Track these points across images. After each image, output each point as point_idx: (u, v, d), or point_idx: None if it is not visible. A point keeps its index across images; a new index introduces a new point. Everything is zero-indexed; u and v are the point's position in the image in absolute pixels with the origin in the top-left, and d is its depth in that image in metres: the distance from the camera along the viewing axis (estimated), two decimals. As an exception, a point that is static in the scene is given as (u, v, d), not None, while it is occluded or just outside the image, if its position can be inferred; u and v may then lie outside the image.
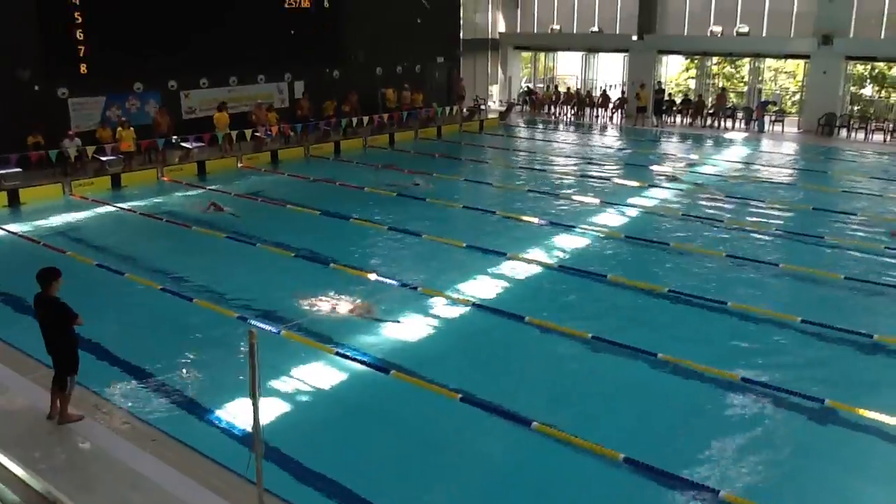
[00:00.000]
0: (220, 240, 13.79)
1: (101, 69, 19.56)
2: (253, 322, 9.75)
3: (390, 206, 16.42)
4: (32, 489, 4.19)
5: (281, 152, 21.95)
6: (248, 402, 5.80)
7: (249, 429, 5.98)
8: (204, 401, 8.11)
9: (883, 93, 32.55)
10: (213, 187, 18.19)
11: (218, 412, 7.87)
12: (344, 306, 10.58)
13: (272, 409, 7.82)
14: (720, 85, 33.70)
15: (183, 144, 20.52)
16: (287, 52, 23.85)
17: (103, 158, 18.89)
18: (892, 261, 12.89)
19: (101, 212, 16.30)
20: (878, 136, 26.91)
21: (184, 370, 8.81)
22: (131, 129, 19.38)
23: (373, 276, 11.79)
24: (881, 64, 29.48)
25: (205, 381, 8.61)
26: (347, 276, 11.90)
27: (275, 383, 8.39)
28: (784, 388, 8.33)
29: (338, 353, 9.09)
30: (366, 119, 24.53)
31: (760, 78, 31.81)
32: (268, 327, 9.71)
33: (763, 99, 30.01)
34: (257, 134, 21.88)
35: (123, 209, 16.32)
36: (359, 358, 9.01)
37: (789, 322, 10.19)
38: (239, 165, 20.69)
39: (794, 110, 31.59)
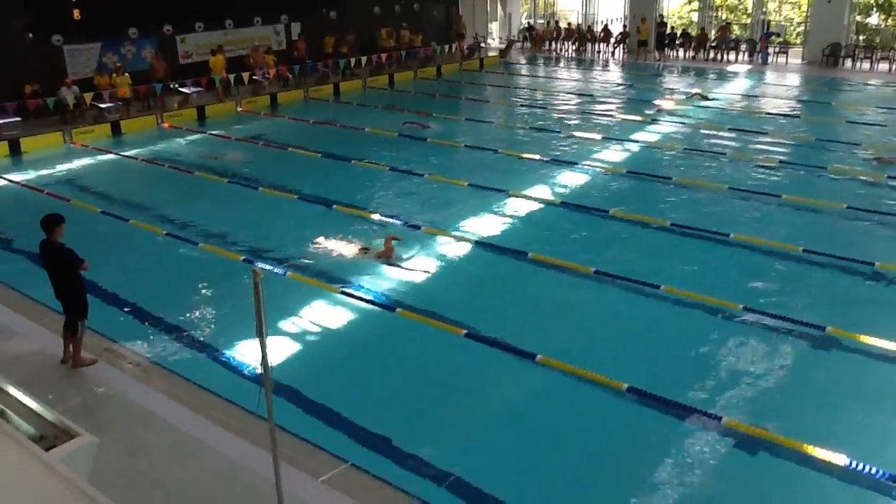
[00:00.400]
0: (223, 185, 13.80)
1: (94, 15, 19.29)
2: (258, 264, 9.82)
3: (392, 146, 16.36)
4: (46, 420, 4.31)
5: (280, 95, 21.79)
6: (256, 341, 5.88)
7: (259, 367, 6.09)
8: (213, 341, 8.24)
9: (889, 21, 32.00)
10: (213, 132, 18.12)
11: (227, 352, 7.99)
12: (348, 247, 10.64)
13: (280, 349, 7.94)
14: (723, 17, 33.17)
15: (181, 90, 20.35)
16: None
17: (102, 105, 18.78)
18: (894, 191, 12.88)
19: (102, 159, 16.27)
20: (884, 66, 26.55)
21: (192, 312, 8.92)
22: (126, 74, 19.25)
23: (376, 217, 11.84)
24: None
25: (213, 323, 8.73)
26: (350, 217, 11.94)
27: (282, 323, 8.50)
28: (786, 316, 8.41)
29: (343, 293, 9.19)
30: (364, 60, 24.25)
31: (764, 9, 31.24)
32: (273, 269, 9.79)
33: (766, 30, 29.52)
34: (255, 77, 21.67)
35: (125, 156, 16.30)
36: (364, 297, 9.11)
37: (791, 252, 10.24)
38: (238, 109, 20.56)
39: (798, 41, 31.13)
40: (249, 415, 6.61)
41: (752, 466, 6.21)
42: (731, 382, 7.34)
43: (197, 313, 8.95)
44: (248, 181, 13.84)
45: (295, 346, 8.17)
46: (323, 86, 23.05)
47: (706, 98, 20.90)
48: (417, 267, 10.07)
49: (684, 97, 21.57)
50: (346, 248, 10.60)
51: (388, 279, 9.70)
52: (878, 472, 5.87)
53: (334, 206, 12.35)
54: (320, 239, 10.93)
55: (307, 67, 23.04)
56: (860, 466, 5.92)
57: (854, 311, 8.77)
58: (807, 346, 8.00)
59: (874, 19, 32.73)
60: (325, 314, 8.84)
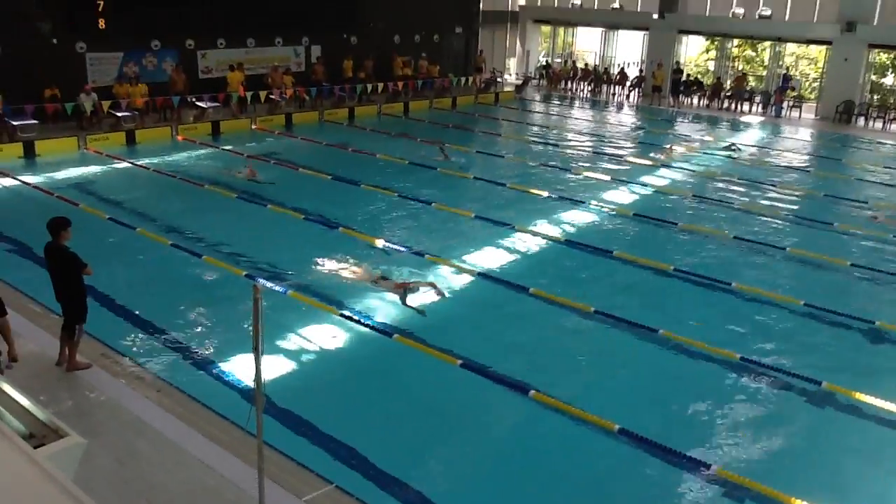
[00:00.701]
0: (232, 200, 13.90)
1: (119, 25, 19.58)
2: (261, 281, 9.88)
3: (402, 173, 16.48)
4: (37, 419, 4.35)
5: (295, 116, 21.99)
6: (251, 357, 5.92)
7: (252, 383, 6.11)
8: (209, 355, 8.27)
9: (904, 82, 32.22)
10: (226, 147, 18.29)
11: (222, 366, 8.02)
12: (350, 270, 10.68)
13: (276, 367, 7.96)
14: (740, 68, 33.44)
15: (198, 104, 20.57)
16: (305, 15, 23.77)
17: (119, 114, 18.99)
18: (900, 250, 12.94)
19: (115, 167, 16.42)
20: (896, 126, 26.68)
21: (190, 324, 8.97)
22: (141, 85, 19.51)
23: (381, 242, 11.90)
24: (904, 53, 29.16)
25: (210, 336, 8.76)
26: (355, 241, 12.00)
27: (280, 342, 8.53)
28: (783, 369, 8.41)
29: (342, 315, 9.22)
30: (381, 86, 24.49)
31: (781, 63, 31.50)
32: (275, 287, 9.84)
33: (783, 83, 29.74)
34: (272, 96, 21.90)
35: (137, 165, 16.45)
36: (363, 321, 9.14)
37: (792, 305, 10.25)
38: (253, 127, 20.75)
39: (812, 97, 31.34)
40: (239, 430, 6.62)
41: (738, 516, 6.19)
42: (722, 431, 7.33)
43: (195, 325, 9.00)
44: (256, 198, 13.94)
45: (290, 365, 8.20)
46: (338, 109, 23.26)
47: (737, 149, 20.94)
48: (418, 294, 10.09)
49: (718, 146, 21.70)
50: (353, 272, 10.62)
51: (387, 305, 9.73)
52: (864, 530, 5.84)
53: (340, 229, 12.43)
54: (323, 260, 10.99)
55: (324, 90, 23.28)
56: (847, 524, 5.90)
57: (851, 368, 8.77)
58: (801, 401, 8.00)
59: (889, 79, 32.97)
60: (322, 335, 8.87)
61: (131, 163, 16.61)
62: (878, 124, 26.97)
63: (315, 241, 11.99)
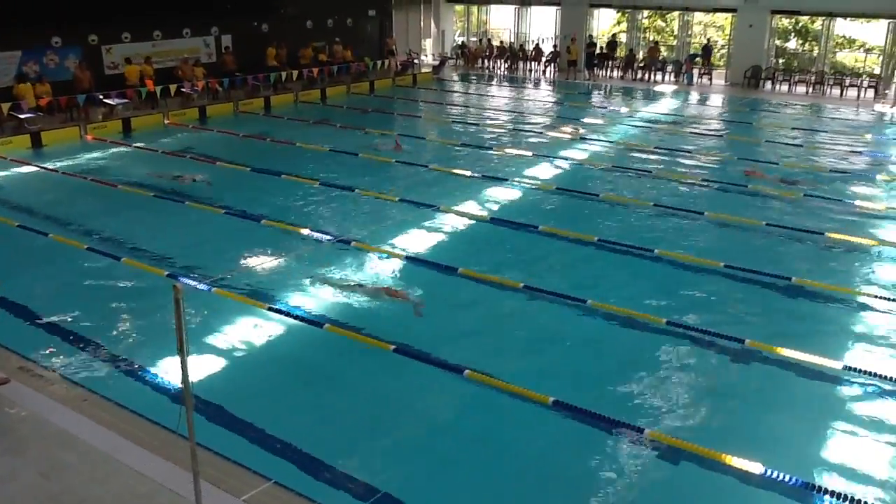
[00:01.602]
0: (148, 198, 13.49)
1: (15, 22, 18.70)
2: (183, 280, 9.64)
3: (322, 161, 16.28)
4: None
5: (209, 108, 21.46)
6: (177, 358, 5.76)
7: (180, 384, 5.95)
8: (134, 359, 8.02)
9: (806, 46, 33.38)
10: (138, 145, 17.74)
11: (149, 370, 7.80)
12: (275, 261, 10.52)
13: (205, 366, 7.79)
14: (650, 38, 34.07)
15: (106, 101, 19.86)
16: (213, 4, 23.16)
17: (21, 116, 18.18)
18: (810, 207, 13.42)
19: (21, 171, 15.73)
20: (801, 88, 27.67)
21: (112, 329, 8.68)
22: (43, 84, 18.74)
23: (305, 231, 11.74)
24: (805, 17, 30.17)
25: (135, 340, 8.50)
26: (279, 232, 11.81)
27: (208, 340, 8.34)
28: (707, 329, 8.65)
29: (271, 309, 9.07)
30: (295, 74, 24.10)
31: (689, 31, 32.22)
32: (199, 285, 9.61)
33: (691, 52, 30.47)
34: (183, 90, 21.31)
35: (45, 168, 15.80)
36: (292, 313, 9.01)
37: (713, 267, 10.54)
38: (166, 122, 20.17)
39: (721, 64, 32.18)
40: (171, 433, 6.44)
41: (673, 477, 6.34)
42: (654, 395, 7.49)
43: (117, 330, 8.72)
44: (174, 195, 13.56)
45: (219, 363, 8.02)
46: (254, 99, 22.80)
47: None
48: (347, 282, 10.01)
49: (613, 116, 22.05)
50: (274, 264, 10.45)
51: (316, 295, 9.62)
52: (791, 479, 6.07)
53: (263, 221, 12.20)
54: (248, 254, 10.79)
55: (237, 80, 22.75)
56: (775, 474, 6.11)
57: (772, 324, 9.07)
58: (726, 359, 8.23)
59: (792, 44, 34.10)
60: (251, 330, 8.71)
61: (39, 166, 15.94)
62: (785, 87, 27.92)
63: (238, 236, 11.75)
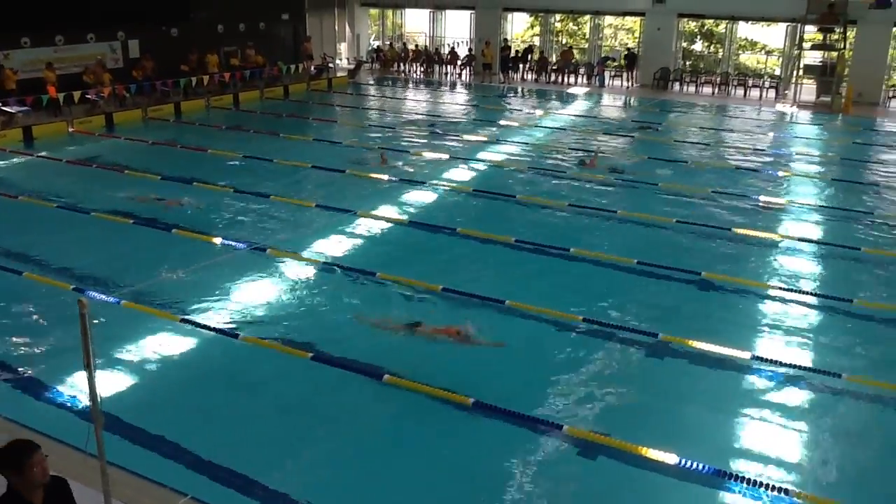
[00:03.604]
0: (52, 210, 12.94)
1: None
2: (91, 293, 9.28)
3: (236, 168, 15.98)
4: None
5: (116, 115, 20.73)
6: (84, 374, 5.54)
7: (88, 402, 5.73)
8: (38, 376, 7.69)
9: (712, 48, 34.57)
10: (42, 154, 17.03)
11: (56, 388, 7.48)
12: (187, 272, 10.24)
13: (116, 381, 7.52)
14: (563, 42, 34.71)
15: (5, 109, 19.00)
16: (120, 8, 22.40)
17: None
18: (717, 203, 13.88)
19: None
20: (708, 89, 28.64)
21: (14, 347, 8.30)
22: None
23: (218, 241, 11.47)
24: (709, 21, 31.22)
25: (40, 357, 8.13)
26: (192, 241, 11.50)
27: (118, 355, 8.05)
28: (622, 325, 8.84)
29: (183, 320, 8.81)
30: (206, 78, 23.57)
31: (601, 35, 32.94)
32: (108, 298, 9.27)
33: (603, 55, 31.16)
34: (89, 96, 20.57)
35: (-61, 181, 15.02)
36: (206, 324, 8.78)
37: (627, 264, 10.78)
38: (70, 130, 19.40)
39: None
40: (80, 453, 6.18)
41: (592, 471, 6.45)
42: (571, 391, 7.60)
43: (21, 348, 8.33)
44: (79, 206, 13.05)
45: (130, 379, 7.75)
46: (163, 105, 22.18)
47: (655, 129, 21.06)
48: (262, 290, 9.83)
49: (528, 119, 22.34)
50: (186, 274, 10.18)
51: (230, 305, 9.40)
52: (704, 467, 6.24)
53: (174, 230, 11.86)
54: (159, 264, 10.47)
55: (145, 86, 22.07)
56: (689, 464, 6.28)
57: (684, 317, 9.34)
58: (642, 353, 8.42)
59: (698, 46, 35.26)
60: (164, 344, 8.44)
61: (-68, 178, 15.14)
62: (692, 88, 28.84)
63: (148, 246, 11.40)
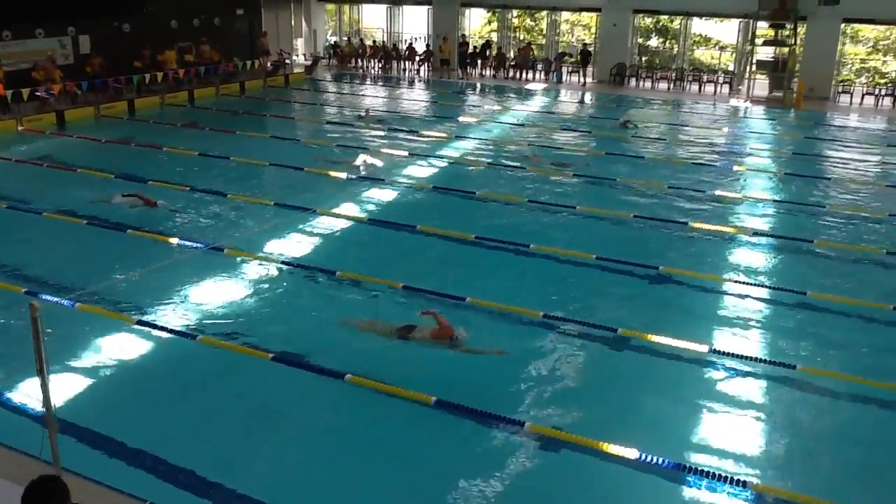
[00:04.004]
0: (1, 210, 12.62)
1: None
2: (43, 296, 9.07)
3: (192, 166, 15.76)
4: None
5: (68, 113, 20.29)
6: (37, 379, 5.43)
7: (42, 407, 5.62)
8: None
9: (667, 44, 34.98)
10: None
11: (7, 394, 7.29)
12: (143, 273, 10.08)
13: (71, 386, 7.37)
14: (521, 38, 34.84)
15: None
16: (69, 2, 21.86)
17: None
18: (673, 198, 14.07)
19: None
20: (663, 85, 29.00)
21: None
22: None
23: (175, 241, 11.29)
24: (665, 17, 31.58)
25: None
26: (147, 242, 11.31)
27: (73, 359, 7.88)
28: (582, 321, 8.90)
29: (140, 323, 8.67)
30: (160, 75, 23.19)
31: (558, 31, 33.15)
32: (61, 301, 9.08)
33: (560, 51, 31.36)
34: (38, 93, 20.09)
35: None
36: (163, 325, 8.64)
37: (586, 260, 10.86)
38: (19, 129, 18.94)
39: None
40: (35, 460, 6.06)
41: (554, 467, 6.48)
42: (533, 388, 7.64)
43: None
44: (29, 206, 12.75)
45: (86, 382, 7.59)
46: (116, 103, 21.75)
47: (634, 126, 20.79)
48: (220, 291, 9.71)
49: (486, 115, 22.40)
50: (142, 275, 10.01)
51: (187, 306, 9.27)
52: (663, 461, 6.32)
53: (129, 231, 11.65)
54: (114, 266, 10.28)
55: (97, 83, 21.60)
56: (649, 458, 6.35)
57: (642, 311, 9.44)
58: (601, 348, 8.50)
59: (654, 42, 35.66)
60: (120, 346, 8.28)
61: None
62: (648, 83, 29.17)
63: (103, 247, 11.18)
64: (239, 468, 6.31)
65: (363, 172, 15.49)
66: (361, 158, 16.38)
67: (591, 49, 30.30)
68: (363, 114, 21.60)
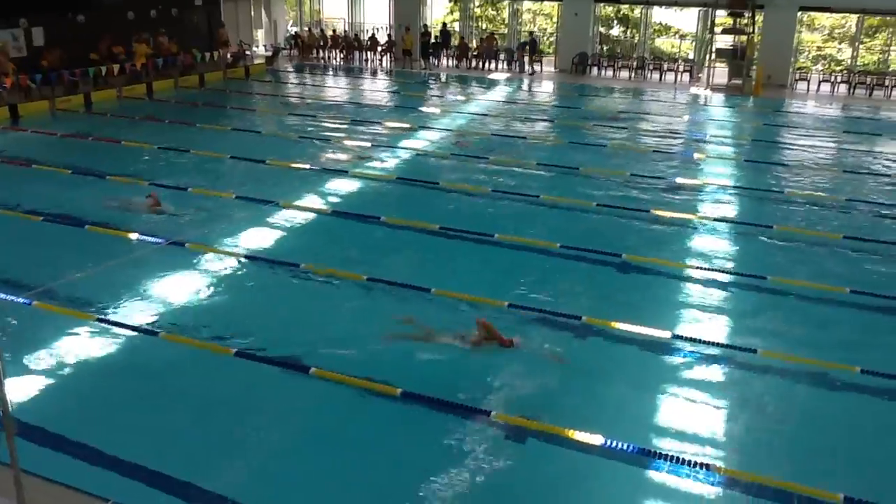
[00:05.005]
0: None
1: None
2: (0, 295, 8.90)
3: (151, 159, 15.51)
4: None
5: (22, 107, 19.82)
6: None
7: (-2, 408, 5.50)
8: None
9: (628, 33, 35.22)
10: (-60, 149, 16.20)
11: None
12: (103, 269, 9.91)
13: (29, 385, 7.22)
14: (483, 27, 34.82)
15: None
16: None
17: None
18: (636, 188, 14.18)
19: None
20: (625, 73, 29.20)
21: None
22: None
23: (134, 236, 11.11)
24: (626, 6, 31.77)
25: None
26: (107, 237, 11.12)
27: (31, 358, 7.71)
28: (546, 309, 8.94)
29: (100, 320, 8.52)
30: (116, 67, 22.76)
31: (520, 20, 33.18)
32: (17, 299, 8.89)
33: (522, 40, 31.40)
34: (-11, 87, 19.63)
35: None
36: (124, 322, 8.51)
37: (550, 248, 10.91)
38: (-29, 124, 18.52)
39: (551, 51, 33.37)
40: (-9, 463, 5.94)
41: (522, 455, 6.51)
42: (498, 376, 7.63)
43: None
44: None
45: (45, 382, 7.44)
46: (72, 96, 21.31)
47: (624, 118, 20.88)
48: (182, 286, 9.58)
49: (449, 105, 22.34)
50: (101, 270, 9.84)
51: (149, 303, 9.13)
52: (628, 447, 6.39)
53: (87, 227, 11.44)
54: (72, 263, 10.08)
55: (52, 76, 21.13)
56: (614, 444, 6.41)
57: (606, 299, 9.51)
58: (567, 336, 8.54)
59: (615, 31, 35.89)
60: (80, 344, 8.13)
61: None
62: (610, 72, 29.35)
63: (60, 243, 10.96)
64: (203, 465, 6.23)
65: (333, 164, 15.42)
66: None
67: (536, 38, 30.32)
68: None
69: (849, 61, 29.23)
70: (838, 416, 7.27)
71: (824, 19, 33.24)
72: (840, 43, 33.82)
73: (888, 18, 28.91)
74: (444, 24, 32.62)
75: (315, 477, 6.19)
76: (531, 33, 31.51)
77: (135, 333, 8.31)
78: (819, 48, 34.27)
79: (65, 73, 21.43)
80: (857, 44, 28.98)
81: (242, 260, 10.41)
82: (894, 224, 12.63)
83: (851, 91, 26.78)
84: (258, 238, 11.35)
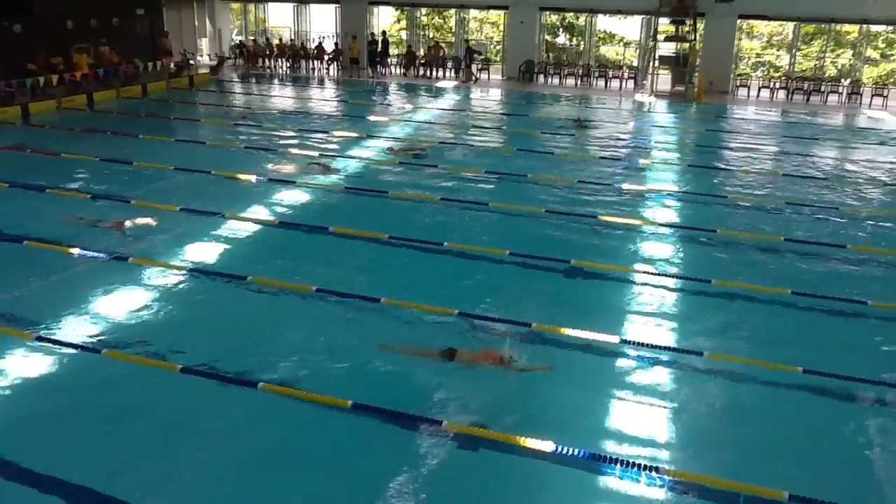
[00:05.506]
0: None
1: None
2: (-69, 314, 8.57)
3: (92, 172, 15.14)
4: None
5: (-46, 120, 19.28)
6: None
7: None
8: None
9: (573, 41, 35.66)
10: None
11: None
12: (42, 285, 9.63)
13: (-38, 409, 6.97)
14: (430, 35, 34.90)
15: None
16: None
17: None
18: (583, 194, 14.33)
19: None
20: (571, 81, 29.56)
21: None
22: None
23: (76, 251, 10.82)
24: (571, 14, 32.18)
25: None
26: (46, 253, 10.81)
27: (-36, 380, 7.47)
28: (496, 317, 8.95)
29: (39, 338, 8.26)
30: (55, 78, 22.22)
31: (467, 28, 33.33)
32: (-50, 318, 8.60)
33: (469, 48, 31.56)
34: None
35: None
36: (65, 341, 8.26)
37: (499, 256, 10.94)
38: None
39: (498, 59, 33.60)
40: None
41: (474, 463, 6.49)
42: (448, 386, 7.61)
43: None
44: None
45: (-19, 404, 7.21)
46: (9, 108, 20.73)
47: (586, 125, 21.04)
48: (125, 302, 9.35)
49: (396, 113, 22.34)
50: (39, 287, 9.56)
51: (91, 320, 8.88)
52: (579, 452, 6.42)
53: (26, 242, 11.11)
54: (9, 279, 9.77)
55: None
56: (565, 450, 6.43)
57: (555, 305, 9.55)
58: (515, 343, 8.55)
59: (561, 39, 36.30)
60: (19, 365, 7.86)
61: None
62: (556, 80, 29.66)
63: (-4, 260, 10.65)
64: (148, 485, 6.08)
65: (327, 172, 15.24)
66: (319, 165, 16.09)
67: (474, 47, 30.46)
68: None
69: (787, 68, 30.02)
70: (782, 416, 7.41)
71: (763, 27, 34.12)
72: (778, 50, 34.72)
73: (823, 26, 29.80)
74: (384, 33, 32.56)
75: (267, 492, 6.08)
76: (467, 41, 31.62)
77: (75, 351, 8.08)
78: (758, 55, 35.15)
79: (0, 83, 20.84)
80: (794, 51, 29.79)
81: (188, 273, 10.22)
82: (830, 226, 12.98)
83: (790, 97, 27.52)
84: (204, 251, 11.16)
